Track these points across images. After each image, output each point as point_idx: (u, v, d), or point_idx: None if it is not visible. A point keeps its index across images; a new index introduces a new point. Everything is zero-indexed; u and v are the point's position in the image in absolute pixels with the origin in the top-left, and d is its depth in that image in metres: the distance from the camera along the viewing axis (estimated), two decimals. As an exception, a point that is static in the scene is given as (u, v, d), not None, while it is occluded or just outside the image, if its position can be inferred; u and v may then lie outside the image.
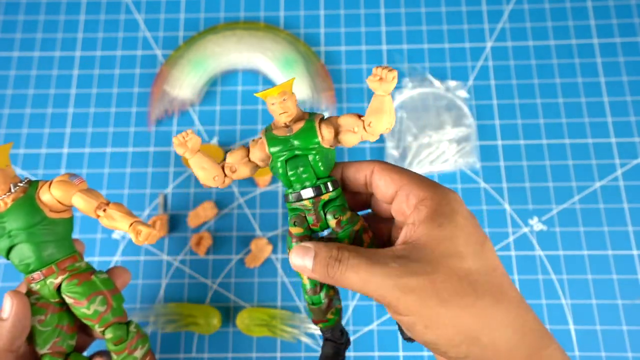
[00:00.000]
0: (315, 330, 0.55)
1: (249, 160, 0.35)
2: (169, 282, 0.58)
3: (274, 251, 0.58)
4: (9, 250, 0.36)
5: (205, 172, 0.34)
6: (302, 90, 0.63)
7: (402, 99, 0.63)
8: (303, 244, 0.33)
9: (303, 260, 0.32)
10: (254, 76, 0.66)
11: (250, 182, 0.61)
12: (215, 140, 0.63)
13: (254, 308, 0.56)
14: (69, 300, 0.36)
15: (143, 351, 0.38)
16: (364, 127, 0.33)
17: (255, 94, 0.34)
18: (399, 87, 0.65)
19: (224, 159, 0.35)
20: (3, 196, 0.36)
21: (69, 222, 0.38)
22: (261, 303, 0.56)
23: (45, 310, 0.36)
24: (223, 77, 0.66)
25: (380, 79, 0.31)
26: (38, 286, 0.36)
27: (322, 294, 0.35)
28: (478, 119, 0.63)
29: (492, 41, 0.67)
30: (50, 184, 0.36)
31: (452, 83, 0.64)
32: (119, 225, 0.35)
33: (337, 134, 0.34)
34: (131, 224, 0.35)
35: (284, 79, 0.63)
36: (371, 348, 0.55)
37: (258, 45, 0.65)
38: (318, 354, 0.54)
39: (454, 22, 0.68)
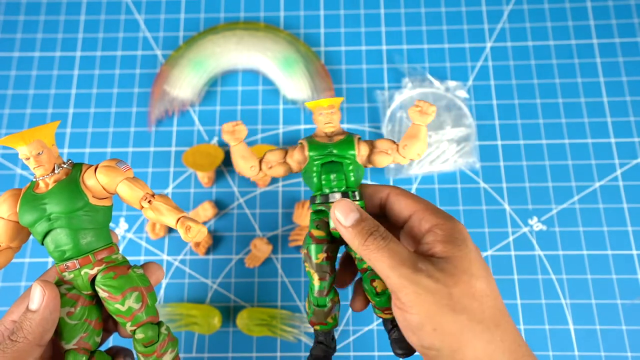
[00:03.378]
0: (315, 330, 0.55)
1: (285, 161, 0.38)
2: (169, 282, 0.58)
3: (274, 251, 0.58)
4: (45, 235, 0.33)
5: (244, 161, 0.37)
6: (302, 90, 0.63)
7: (402, 99, 0.63)
8: (350, 201, 0.35)
9: (346, 215, 0.34)
10: (254, 76, 0.66)
11: (250, 182, 0.61)
12: (215, 141, 0.63)
13: (254, 308, 0.56)
14: (103, 294, 0.34)
15: (172, 355, 0.36)
16: (398, 150, 0.36)
17: (305, 104, 0.38)
18: (398, 87, 0.65)
19: (264, 155, 0.38)
20: (45, 176, 0.34)
21: (109, 210, 0.35)
22: (261, 303, 0.56)
23: (76, 302, 0.34)
24: (223, 77, 0.66)
25: (421, 110, 0.35)
26: (72, 275, 0.34)
27: (328, 298, 0.36)
28: (478, 119, 0.63)
29: (492, 41, 0.67)
30: (96, 168, 0.34)
31: (452, 83, 0.64)
32: (166, 219, 0.33)
33: (370, 154, 0.37)
34: (178, 219, 0.33)
35: (284, 79, 0.63)
36: (371, 348, 0.55)
37: (258, 45, 0.65)
38: (318, 354, 0.54)
39: (454, 22, 0.68)
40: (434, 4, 0.69)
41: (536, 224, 0.59)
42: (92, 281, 0.34)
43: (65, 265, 0.34)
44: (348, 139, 0.37)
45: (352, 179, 0.36)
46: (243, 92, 0.65)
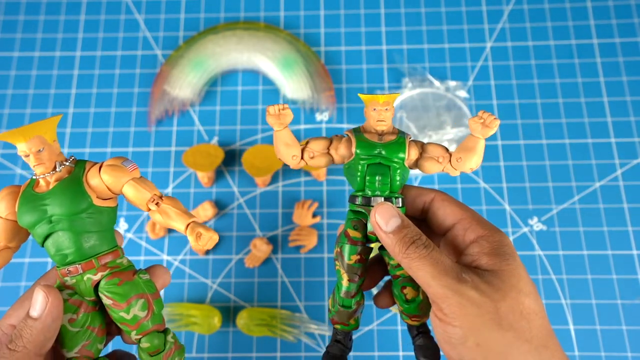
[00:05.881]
0: (315, 330, 0.55)
1: (328, 152, 0.36)
2: (169, 282, 0.58)
3: (274, 251, 0.58)
4: (46, 237, 0.31)
5: (287, 149, 0.35)
6: (302, 90, 0.63)
7: (402, 99, 0.63)
8: (392, 206, 0.33)
9: (387, 220, 0.32)
10: (254, 76, 0.66)
11: (250, 182, 0.61)
12: (215, 140, 0.63)
13: (254, 308, 0.56)
14: (107, 301, 0.32)
15: None
16: (450, 161, 0.34)
17: (360, 95, 0.35)
18: (398, 87, 0.65)
19: (307, 143, 0.36)
20: (46, 174, 0.32)
21: (114, 212, 0.33)
22: (261, 303, 0.56)
23: (78, 308, 0.31)
24: (223, 77, 0.66)
25: (484, 122, 0.32)
26: (74, 280, 0.32)
27: (354, 300, 0.35)
28: (478, 119, 0.63)
29: (492, 41, 0.67)
30: (101, 166, 0.32)
31: (452, 83, 0.64)
32: (174, 224, 0.32)
33: (418, 158, 0.35)
34: (188, 225, 0.31)
35: (284, 79, 0.63)
36: (371, 348, 0.55)
37: (258, 45, 0.65)
38: (318, 354, 0.54)
39: (454, 22, 0.68)
40: (434, 4, 0.69)
41: (536, 224, 0.59)
42: (96, 287, 0.32)
43: (67, 269, 0.32)
44: (399, 141, 0.34)
45: (398, 183, 0.34)
46: (243, 92, 0.65)
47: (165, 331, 0.34)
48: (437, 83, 0.64)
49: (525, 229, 0.59)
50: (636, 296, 0.55)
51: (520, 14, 0.68)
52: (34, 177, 0.33)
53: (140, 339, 0.32)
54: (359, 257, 0.35)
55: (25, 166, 0.62)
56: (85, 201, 0.31)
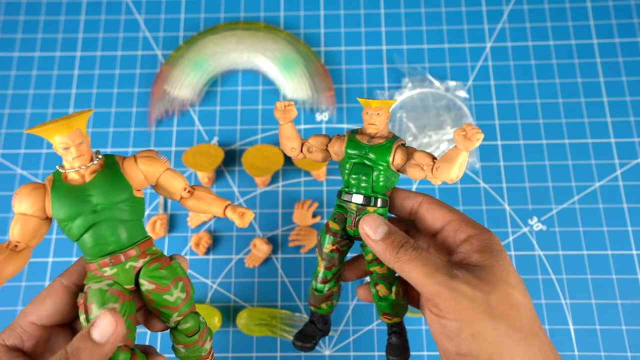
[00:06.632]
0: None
1: (326, 148, 0.38)
2: (169, 282, 0.58)
3: (274, 251, 0.58)
4: (86, 230, 0.32)
5: (288, 141, 0.38)
6: (302, 90, 0.63)
7: (402, 99, 0.63)
8: (378, 216, 0.35)
9: (374, 229, 0.34)
10: (254, 76, 0.66)
11: (250, 182, 0.61)
12: (215, 140, 0.63)
13: (254, 308, 0.56)
14: (149, 286, 0.32)
15: (210, 343, 0.36)
16: (432, 169, 0.35)
17: (357, 98, 0.38)
18: (398, 87, 0.65)
19: (307, 139, 0.38)
20: (83, 167, 0.32)
21: (144, 202, 0.35)
22: (261, 303, 0.57)
23: (119, 298, 0.32)
24: (223, 77, 0.66)
25: (465, 135, 0.32)
26: (114, 270, 0.32)
27: (327, 286, 0.38)
28: (478, 119, 0.63)
29: (492, 41, 0.67)
30: (135, 159, 0.34)
31: (452, 83, 0.64)
32: (212, 209, 0.34)
33: (404, 164, 0.36)
34: (226, 207, 0.34)
35: (284, 79, 0.63)
36: (371, 348, 0.55)
37: (258, 45, 0.65)
38: (318, 354, 0.54)
39: (454, 22, 0.68)
40: (434, 4, 0.69)
41: (536, 224, 0.59)
42: (136, 274, 0.33)
43: (109, 259, 0.32)
44: (386, 145, 0.36)
45: (381, 184, 0.36)
46: (243, 92, 0.65)
47: (197, 313, 0.35)
48: (437, 83, 0.64)
49: (525, 229, 0.59)
50: (636, 296, 0.55)
51: (520, 14, 0.68)
52: (60, 171, 0.33)
53: (179, 321, 0.34)
54: (334, 247, 0.37)
55: (26, 166, 0.62)
56: (127, 191, 0.33)
